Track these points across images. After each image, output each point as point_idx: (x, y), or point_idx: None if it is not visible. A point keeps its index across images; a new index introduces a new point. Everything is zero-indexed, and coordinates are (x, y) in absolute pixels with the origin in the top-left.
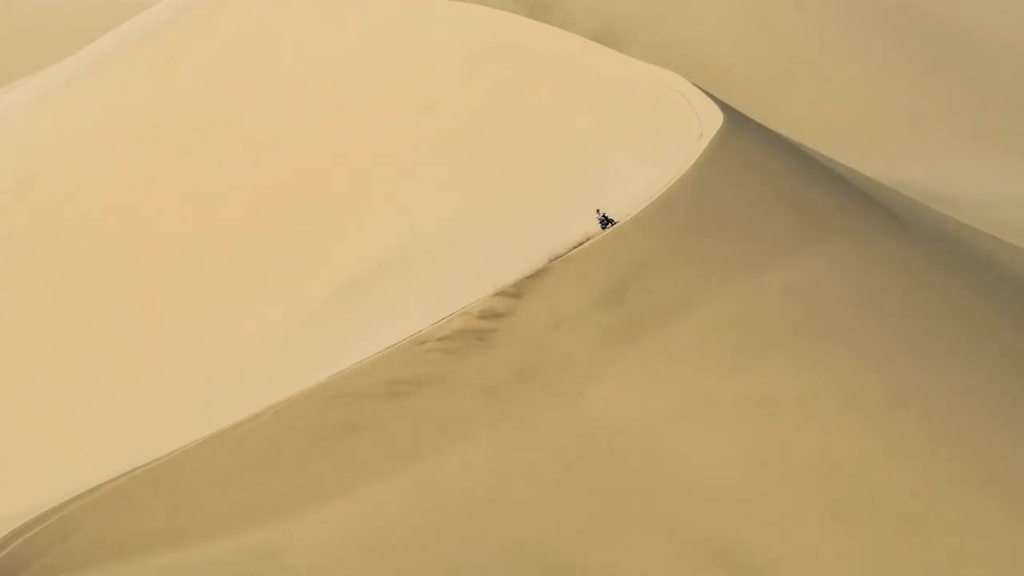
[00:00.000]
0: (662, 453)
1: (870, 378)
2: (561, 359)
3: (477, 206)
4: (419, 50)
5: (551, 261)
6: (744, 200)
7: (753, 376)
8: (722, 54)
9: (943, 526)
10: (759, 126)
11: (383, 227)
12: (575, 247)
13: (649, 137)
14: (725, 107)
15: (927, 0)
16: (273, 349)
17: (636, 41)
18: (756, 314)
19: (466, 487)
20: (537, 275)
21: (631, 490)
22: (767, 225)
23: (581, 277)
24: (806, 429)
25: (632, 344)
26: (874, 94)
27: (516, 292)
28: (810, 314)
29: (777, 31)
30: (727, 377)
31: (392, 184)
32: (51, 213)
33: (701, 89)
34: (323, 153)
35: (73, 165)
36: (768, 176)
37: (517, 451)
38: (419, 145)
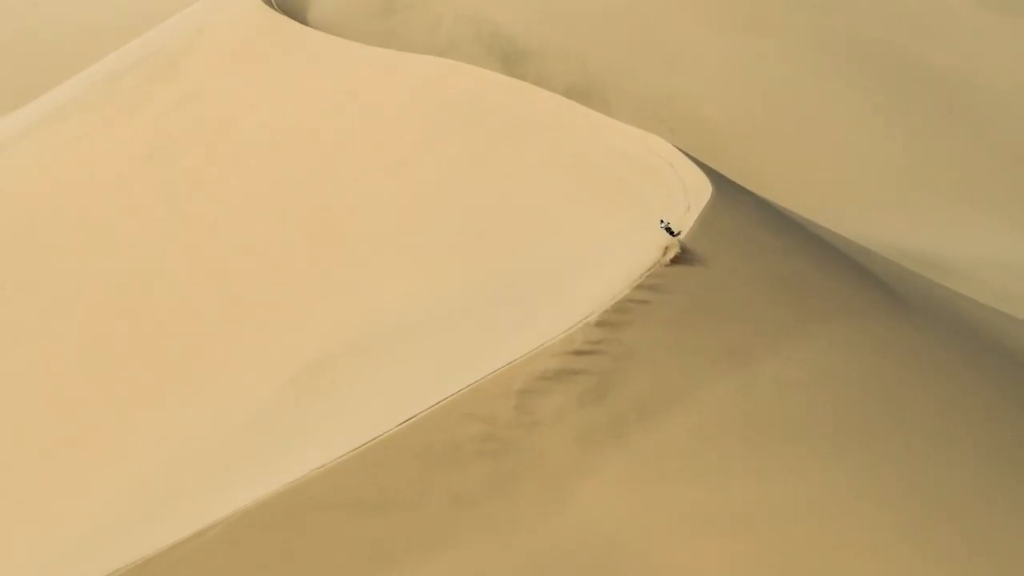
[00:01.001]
0: (655, 570)
1: (882, 479)
2: (539, 464)
3: (447, 283)
4: (384, 108)
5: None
6: (735, 281)
7: (750, 482)
8: (706, 107)
9: None
10: (748, 194)
11: (339, 308)
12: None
13: (632, 211)
14: (713, 175)
15: (921, 45)
16: (215, 454)
17: (616, 93)
18: (751, 410)
19: None
20: (511, 369)
21: None
22: (760, 308)
23: (559, 372)
24: (813, 542)
25: (617, 447)
26: (862, 148)
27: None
28: (810, 408)
29: (762, 83)
30: (722, 484)
31: (352, 258)
32: None
33: (687, 155)
34: (278, 221)
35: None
36: (760, 253)
37: (494, 568)
38: (383, 213)
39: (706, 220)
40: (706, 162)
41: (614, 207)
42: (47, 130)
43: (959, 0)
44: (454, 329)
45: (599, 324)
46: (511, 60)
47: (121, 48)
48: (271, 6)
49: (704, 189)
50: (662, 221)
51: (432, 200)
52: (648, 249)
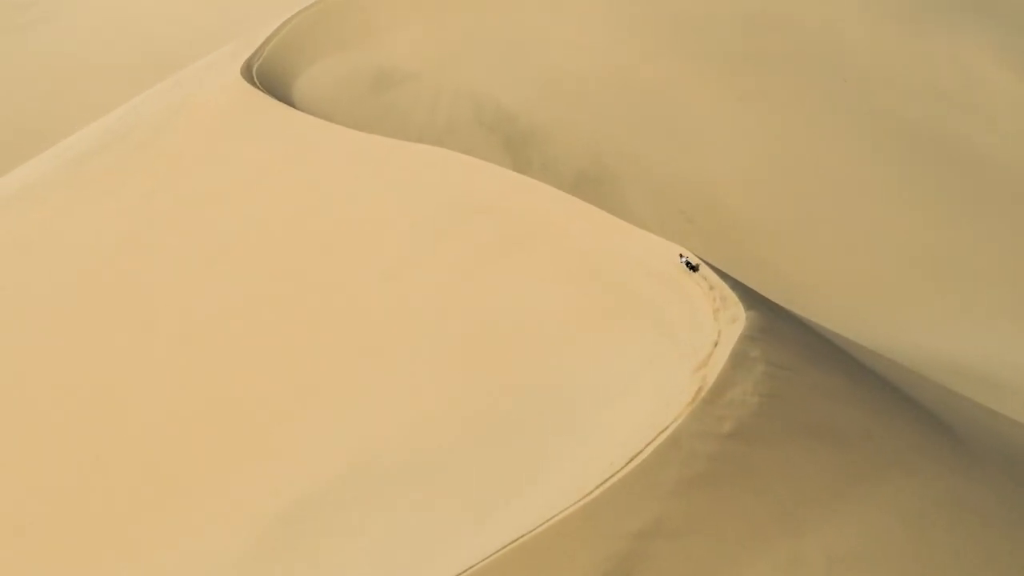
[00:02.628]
0: None
1: None
2: None
3: (444, 417)
4: (376, 205)
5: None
6: (773, 434)
7: None
8: (728, 195)
9: None
10: (786, 317)
11: (322, 440)
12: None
13: (651, 340)
14: (745, 294)
15: (961, 122)
16: None
17: (631, 180)
18: None
19: None
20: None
21: None
22: (803, 467)
23: (570, 552)
24: None
25: None
26: (900, 239)
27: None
28: None
29: (788, 167)
30: None
31: (339, 382)
32: None
33: (714, 269)
34: (257, 334)
35: None
36: (803, 396)
37: None
38: (376, 327)
39: (740, 356)
40: (729, 257)
41: (634, 332)
42: (7, 214)
43: (1000, 75)
44: (452, 474)
45: (617, 490)
46: (515, 143)
47: (91, 124)
48: (252, 83)
49: (738, 315)
50: (681, 256)
51: (428, 315)
52: (674, 392)
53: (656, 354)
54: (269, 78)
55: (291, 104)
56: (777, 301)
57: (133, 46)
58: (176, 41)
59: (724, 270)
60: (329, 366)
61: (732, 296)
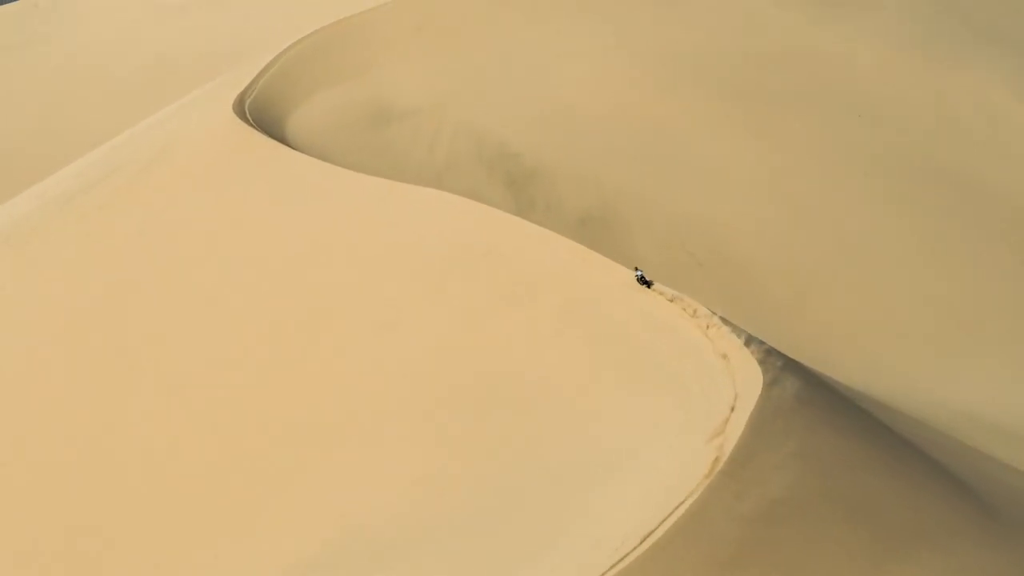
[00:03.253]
0: None
1: None
2: None
3: (441, 480)
4: (373, 253)
5: None
6: (798, 507)
7: None
8: (738, 238)
9: None
10: (805, 374)
11: (320, 502)
12: None
13: (662, 401)
14: (762, 353)
15: (981, 164)
16: None
17: (638, 221)
18: None
19: None
20: None
21: None
22: (825, 546)
23: None
24: None
25: None
26: (918, 286)
27: None
28: None
29: (800, 208)
30: None
31: (335, 444)
32: None
33: (728, 322)
34: (249, 392)
35: None
36: (826, 467)
37: None
38: (372, 384)
39: (759, 423)
40: (740, 303)
41: (645, 393)
42: None
43: (1018, 108)
44: (447, 548)
45: (631, 571)
46: (517, 182)
47: (75, 161)
48: (245, 118)
49: (755, 375)
50: (636, 269)
51: (427, 371)
52: (688, 462)
53: (668, 417)
54: (262, 113)
55: (285, 140)
56: (790, 351)
57: (131, 66)
58: (174, 64)
59: (735, 318)
60: (322, 427)
61: (747, 354)
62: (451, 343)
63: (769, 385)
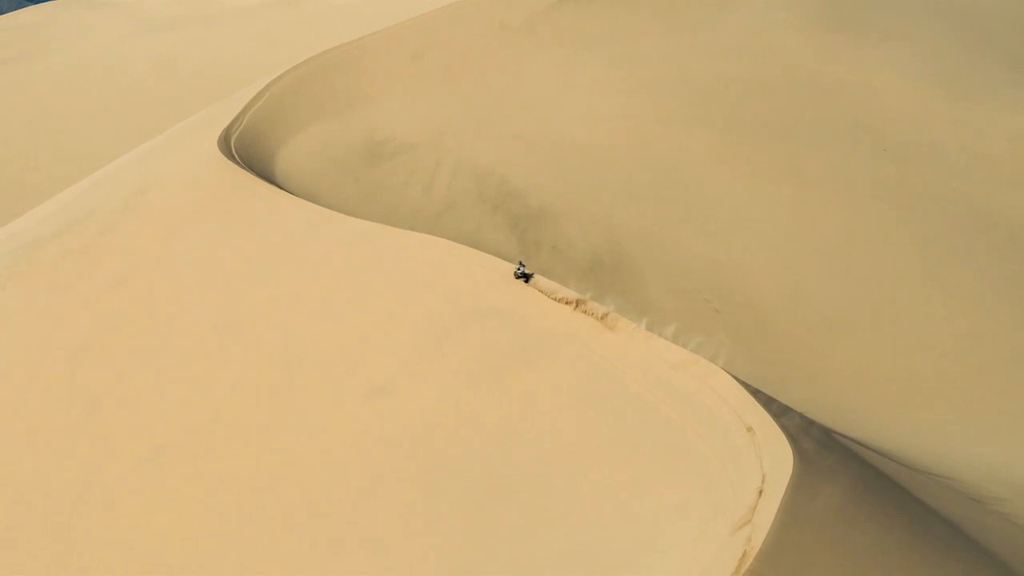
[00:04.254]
0: None
1: None
2: None
3: (449, 564)
4: (364, 308)
5: None
6: None
7: None
8: (757, 282)
9: None
10: (837, 448)
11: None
12: None
13: (682, 480)
14: (791, 424)
15: (1010, 199)
16: None
17: (651, 265)
18: None
19: None
20: None
21: None
22: None
23: None
24: None
25: None
26: (948, 337)
27: None
28: None
29: (821, 249)
30: None
31: (323, 519)
32: None
33: (752, 389)
34: (228, 464)
35: None
36: (860, 563)
37: None
38: (365, 453)
39: (790, 510)
40: (760, 353)
41: (662, 469)
42: None
43: None
44: None
45: None
46: (522, 224)
47: (48, 201)
48: (230, 156)
49: (784, 454)
50: (520, 266)
51: (424, 442)
52: (712, 555)
53: (691, 501)
54: (249, 149)
55: (273, 179)
56: (813, 406)
57: (119, 85)
58: (163, 83)
59: (754, 368)
60: (308, 506)
61: (774, 427)
62: (452, 409)
63: (800, 465)
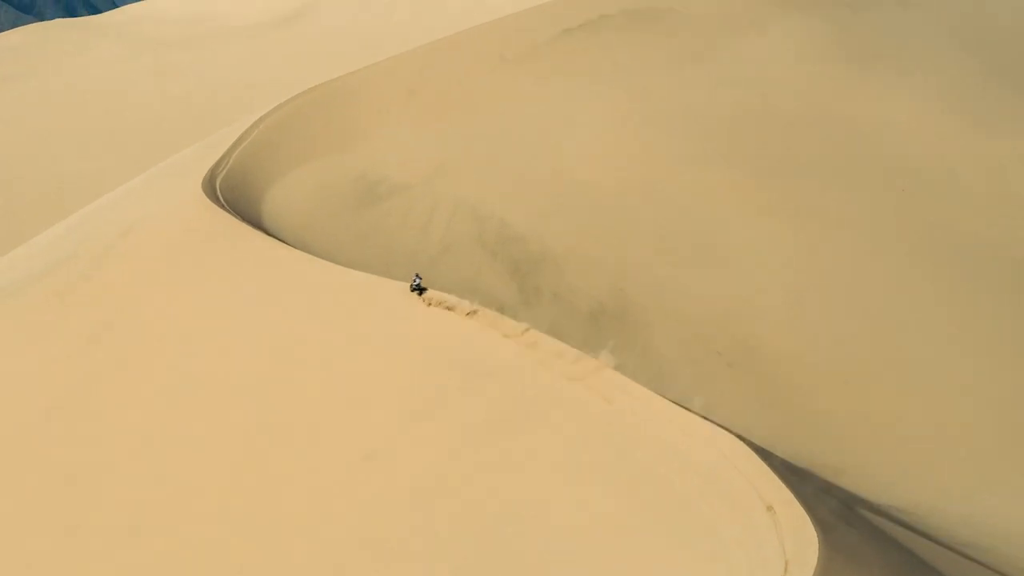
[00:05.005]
0: None
1: None
2: None
3: None
4: (365, 364)
5: None
6: None
7: None
8: (768, 333)
9: None
10: (864, 526)
11: None
12: None
13: (698, 564)
14: (816, 504)
15: None
16: None
17: (658, 313)
18: None
19: None
20: None
21: None
22: None
23: None
24: None
25: None
26: (972, 391)
27: None
28: None
29: (843, 299)
30: None
31: None
32: None
33: (771, 464)
34: (206, 535)
35: None
36: None
37: None
38: (354, 532)
39: None
40: (775, 410)
41: (675, 550)
42: None
43: None
44: None
45: None
46: (523, 269)
47: (25, 244)
48: (216, 198)
49: (807, 538)
50: (416, 278)
51: (418, 514)
52: None
53: None
54: (236, 191)
55: (261, 222)
56: (830, 468)
57: (112, 111)
58: (155, 107)
59: (769, 426)
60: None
61: (797, 507)
62: (448, 477)
63: (825, 551)
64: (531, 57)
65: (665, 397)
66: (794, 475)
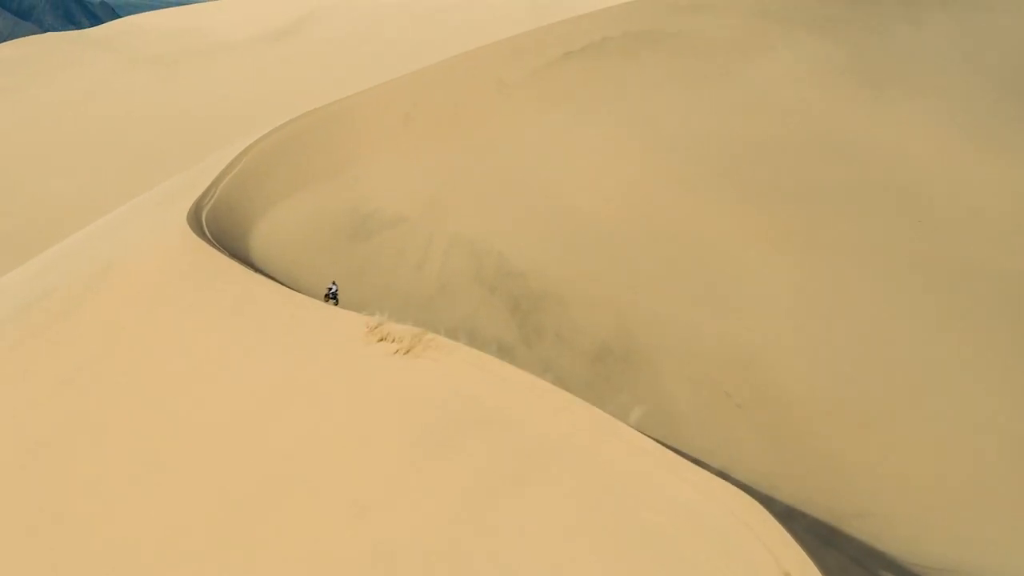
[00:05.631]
0: None
1: None
2: None
3: None
4: (356, 413)
5: None
6: None
7: None
8: (785, 373)
9: None
10: None
11: None
12: None
13: None
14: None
15: None
16: None
17: (665, 355)
18: None
19: None
20: None
21: None
22: None
23: None
24: None
25: None
26: (992, 435)
27: None
28: None
29: (856, 336)
30: None
31: None
32: None
33: (789, 528)
34: (204, 565)
35: None
36: None
37: None
38: None
39: None
40: (787, 451)
41: None
42: None
43: None
44: None
45: None
46: (523, 308)
47: (2, 278)
48: (201, 232)
49: None
50: (332, 285)
51: (412, 558)
52: None
53: None
54: (222, 224)
55: (248, 258)
56: (845, 516)
57: (99, 125)
58: (143, 123)
59: (781, 469)
60: None
61: (814, 571)
62: (444, 536)
63: None
64: (531, 82)
65: (676, 446)
66: (818, 540)
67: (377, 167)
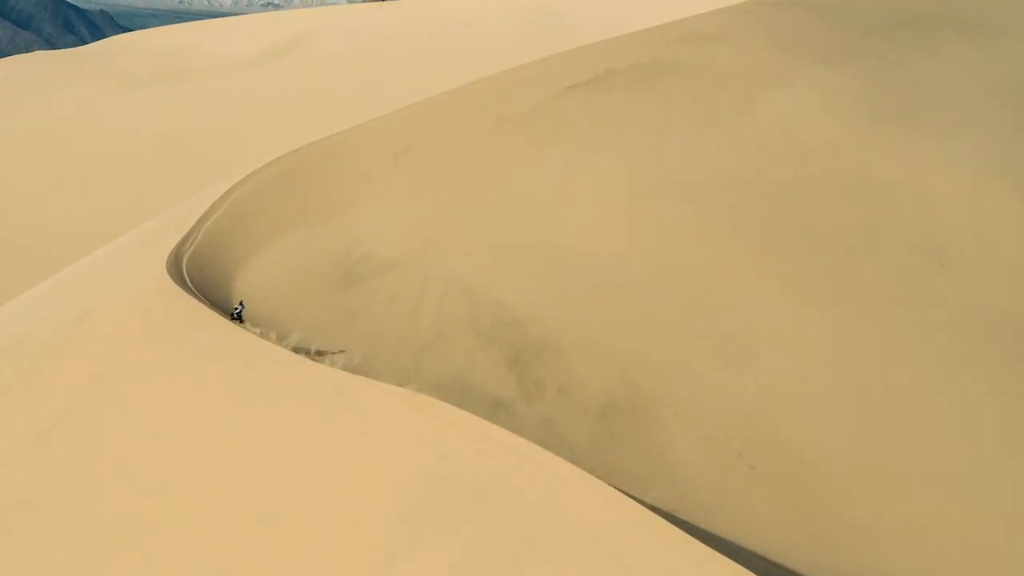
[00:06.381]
0: None
1: None
2: None
3: None
4: (345, 484)
5: None
6: None
7: None
8: (800, 432)
9: None
10: None
11: None
12: None
13: None
14: None
15: None
16: None
17: (673, 413)
18: None
19: None
20: None
21: None
22: None
23: None
24: None
25: None
26: (1014, 499)
27: None
28: None
29: (873, 392)
30: None
31: None
32: None
33: None
34: None
35: None
36: None
37: None
38: None
39: None
40: (800, 514)
41: None
42: None
43: None
44: None
45: None
46: (522, 359)
47: None
48: (182, 280)
49: None
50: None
51: None
52: None
53: None
54: (204, 271)
55: (232, 305)
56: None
57: (92, 144)
58: (135, 143)
59: (795, 537)
60: None
61: None
62: None
63: None
64: (532, 118)
65: (686, 514)
66: None
67: (367, 209)
